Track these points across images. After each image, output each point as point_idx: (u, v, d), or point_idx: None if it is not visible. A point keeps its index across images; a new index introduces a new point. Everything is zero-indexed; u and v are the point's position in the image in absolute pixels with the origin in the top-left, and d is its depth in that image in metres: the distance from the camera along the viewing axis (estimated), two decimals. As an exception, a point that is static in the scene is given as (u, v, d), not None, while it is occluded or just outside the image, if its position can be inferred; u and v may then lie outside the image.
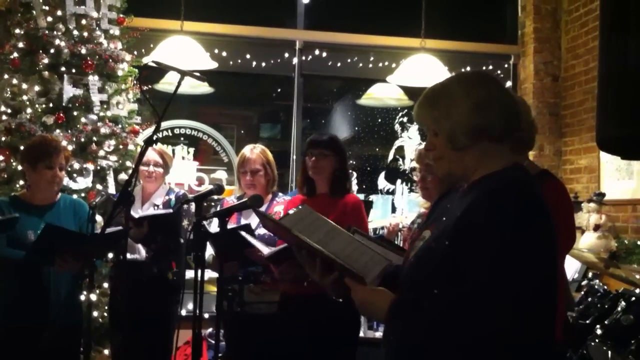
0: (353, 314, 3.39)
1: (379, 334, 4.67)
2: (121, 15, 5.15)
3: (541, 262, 1.60)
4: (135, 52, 5.41)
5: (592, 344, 3.60)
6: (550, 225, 1.64)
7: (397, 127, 6.50)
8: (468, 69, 6.50)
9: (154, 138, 3.04)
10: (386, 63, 6.48)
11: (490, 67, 6.75)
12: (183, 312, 4.78)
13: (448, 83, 1.81)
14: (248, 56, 6.42)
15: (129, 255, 3.88)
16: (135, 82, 5.20)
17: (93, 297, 3.49)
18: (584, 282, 4.53)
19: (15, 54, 4.86)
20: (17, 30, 4.91)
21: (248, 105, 8.21)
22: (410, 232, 3.37)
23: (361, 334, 4.65)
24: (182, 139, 6.26)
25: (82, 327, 3.62)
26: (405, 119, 6.30)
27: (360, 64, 6.58)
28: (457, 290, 1.60)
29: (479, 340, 1.57)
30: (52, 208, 3.56)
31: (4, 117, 4.73)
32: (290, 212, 1.96)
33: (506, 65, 6.74)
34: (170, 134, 6.17)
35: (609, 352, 3.49)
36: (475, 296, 1.56)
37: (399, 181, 6.29)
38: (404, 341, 1.68)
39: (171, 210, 3.90)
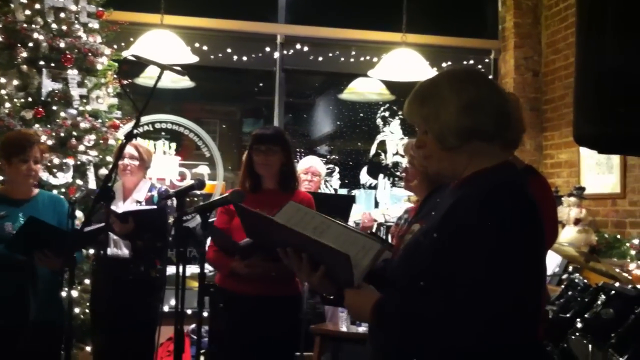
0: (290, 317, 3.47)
1: (362, 329, 4.66)
2: (100, 9, 5.08)
3: (532, 261, 1.60)
4: (115, 46, 5.36)
5: (573, 337, 3.62)
6: (539, 224, 1.64)
7: (379, 121, 6.53)
8: (449, 63, 6.53)
9: (134, 133, 3.02)
10: (368, 57, 6.48)
11: (471, 62, 6.77)
12: (165, 309, 4.77)
13: (438, 81, 1.80)
14: (229, 50, 6.39)
15: (110, 251, 3.86)
16: (115, 76, 5.14)
17: (74, 293, 3.47)
18: (565, 276, 4.57)
19: (-7, 48, 4.78)
20: (-5, 24, 4.84)
21: (230, 100, 8.17)
22: (398, 227, 3.36)
23: (344, 329, 4.66)
24: (163, 133, 6.22)
25: (62, 325, 3.60)
26: (387, 114, 6.33)
27: (342, 59, 6.57)
28: (444, 287, 1.59)
29: (465, 338, 1.57)
30: (30, 203, 3.54)
31: (-18, 112, 4.66)
32: (281, 210, 1.94)
33: (487, 60, 6.77)
34: (152, 129, 6.12)
35: (590, 346, 3.52)
36: (463, 294, 1.56)
37: (381, 176, 6.32)
38: (389, 340, 1.68)
39: (156, 207, 3.87)
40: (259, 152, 3.51)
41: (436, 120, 1.73)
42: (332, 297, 1.87)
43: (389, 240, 3.87)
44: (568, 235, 5.35)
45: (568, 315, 3.80)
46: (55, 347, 3.59)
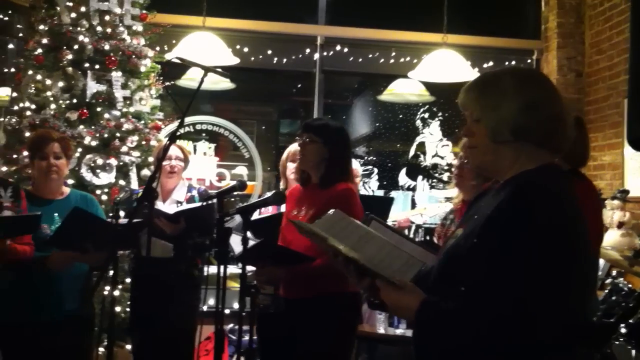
0: (345, 316, 3.31)
1: (399, 331, 4.64)
2: (144, 12, 5.15)
3: (574, 266, 1.58)
4: (158, 48, 5.42)
5: (616, 343, 3.56)
6: (582, 228, 1.63)
7: (418, 123, 6.50)
8: (491, 64, 6.47)
9: (178, 134, 3.06)
10: (407, 58, 6.46)
11: (513, 63, 6.70)
12: (204, 308, 4.82)
13: (502, 75, 1.80)
14: (269, 52, 6.42)
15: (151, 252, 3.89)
16: (157, 78, 5.22)
17: (116, 292, 3.52)
18: (608, 281, 4.48)
19: (39, 50, 4.87)
20: (41, 27, 4.92)
21: (267, 101, 8.21)
22: (444, 228, 3.30)
23: (381, 331, 4.65)
24: (203, 134, 6.28)
25: (93, 321, 3.68)
26: (426, 115, 6.29)
27: (382, 60, 6.56)
28: (484, 290, 1.58)
29: (504, 340, 1.56)
30: (63, 201, 3.56)
31: (28, 113, 4.76)
32: (322, 218, 1.94)
33: (529, 61, 6.69)
34: (192, 130, 6.19)
35: (633, 352, 3.46)
36: (503, 297, 1.55)
37: (420, 177, 6.29)
38: (432, 342, 1.67)
39: (203, 204, 3.85)
40: (299, 141, 3.39)
41: (494, 111, 1.74)
42: (379, 301, 1.87)
43: (434, 240, 3.80)
44: (611, 238, 5.26)
45: (612, 320, 3.74)
46: (88, 343, 3.65)
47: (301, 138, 3.37)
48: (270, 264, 3.19)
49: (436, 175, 6.48)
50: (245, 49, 6.26)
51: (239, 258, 3.18)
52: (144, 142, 4.89)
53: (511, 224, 1.59)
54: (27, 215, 3.29)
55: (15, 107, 4.92)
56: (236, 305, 5.07)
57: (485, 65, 6.43)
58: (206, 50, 5.34)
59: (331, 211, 1.97)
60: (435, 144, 6.55)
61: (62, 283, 3.42)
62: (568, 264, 1.58)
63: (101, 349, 4.18)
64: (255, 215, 3.77)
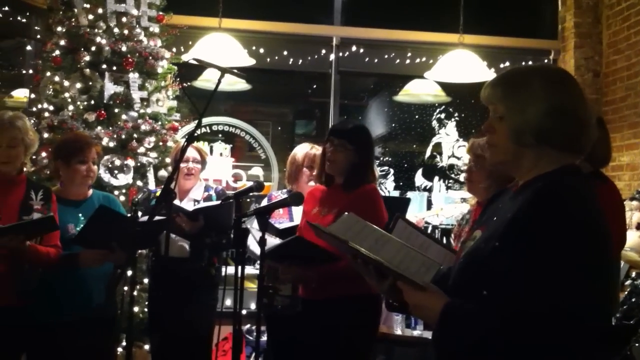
0: (366, 318, 3.31)
1: (417, 333, 4.64)
2: (160, 13, 5.18)
3: (596, 265, 1.56)
4: (174, 50, 5.45)
5: (637, 345, 3.53)
6: (605, 229, 1.60)
7: (434, 123, 6.48)
8: (507, 64, 6.43)
9: (195, 134, 3.07)
10: (423, 59, 6.44)
11: (530, 63, 6.65)
12: (220, 308, 4.82)
13: (530, 75, 1.75)
14: (285, 53, 6.43)
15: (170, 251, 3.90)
16: (174, 79, 5.24)
17: (134, 292, 3.53)
18: (627, 282, 4.45)
19: (57, 52, 4.90)
20: (59, 29, 4.95)
21: (283, 102, 8.21)
22: (460, 228, 3.28)
23: (399, 333, 4.64)
24: (220, 135, 6.30)
25: (116, 321, 3.69)
26: (442, 116, 6.27)
27: (398, 60, 6.54)
28: (506, 294, 1.57)
29: (530, 344, 1.54)
30: (87, 202, 3.59)
31: (47, 114, 4.79)
32: (337, 221, 1.93)
33: (546, 61, 6.64)
34: (209, 131, 6.21)
35: (654, 354, 3.43)
36: (526, 300, 1.54)
37: (436, 178, 6.27)
38: (456, 344, 1.66)
39: (221, 202, 3.86)
40: (330, 146, 3.35)
41: (520, 113, 1.70)
42: (398, 304, 1.86)
43: (451, 241, 3.78)
44: (630, 239, 5.19)
45: (631, 322, 3.71)
46: (110, 343, 3.69)
47: (332, 143, 3.34)
48: (296, 263, 3.18)
49: (452, 175, 6.46)
50: (261, 50, 6.27)
51: (266, 255, 3.17)
52: (161, 143, 4.91)
53: (536, 227, 1.57)
54: (41, 218, 3.30)
55: (34, 109, 4.96)
56: (253, 306, 5.08)
57: (501, 66, 6.39)
58: (222, 51, 5.35)
59: (345, 214, 1.97)
60: (451, 145, 6.53)
61: (89, 282, 3.45)
62: (596, 266, 1.55)
63: (120, 349, 4.20)
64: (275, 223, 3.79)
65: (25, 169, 4.63)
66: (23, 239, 3.20)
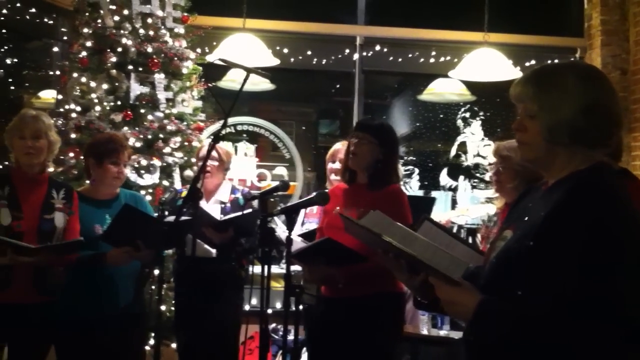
0: (391, 316, 3.31)
1: (443, 332, 4.61)
2: (185, 14, 5.21)
3: (635, 265, 1.54)
4: (199, 50, 5.47)
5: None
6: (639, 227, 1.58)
7: (459, 122, 6.45)
8: (533, 63, 6.37)
9: (221, 134, 3.08)
10: (448, 58, 6.41)
11: (556, 61, 6.59)
12: (246, 307, 4.84)
13: (563, 72, 1.72)
14: (309, 53, 6.43)
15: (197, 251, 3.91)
16: (199, 79, 5.26)
17: (162, 291, 3.55)
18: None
19: (84, 53, 4.95)
20: (85, 30, 5.00)
21: (306, 101, 8.23)
22: (487, 230, 3.27)
23: (425, 332, 4.61)
24: (244, 135, 6.32)
25: (146, 319, 3.72)
26: (467, 115, 6.24)
27: (422, 59, 6.52)
28: (544, 293, 1.55)
29: (569, 343, 1.53)
30: (115, 202, 3.60)
31: (74, 115, 4.84)
32: (365, 217, 1.91)
33: (572, 59, 6.57)
34: (233, 131, 6.23)
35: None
36: (564, 298, 1.52)
37: (461, 177, 6.24)
38: (491, 343, 1.64)
39: (251, 210, 3.86)
40: (352, 140, 3.35)
41: (553, 111, 1.67)
42: (426, 301, 1.85)
43: (477, 242, 3.76)
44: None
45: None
46: (138, 341, 3.70)
47: (356, 137, 3.34)
48: (323, 263, 3.18)
49: (478, 175, 6.42)
50: (285, 50, 6.28)
51: (295, 256, 3.18)
52: (186, 143, 4.93)
53: (574, 226, 1.55)
54: (72, 242, 3.34)
55: (61, 109, 5.01)
56: (278, 305, 5.10)
57: (527, 64, 6.34)
58: (246, 51, 5.37)
59: (372, 211, 1.94)
60: (476, 144, 6.50)
61: (116, 280, 3.47)
62: (634, 268, 1.53)
63: (147, 347, 4.22)
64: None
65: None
66: (51, 258, 3.27)
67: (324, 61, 6.48)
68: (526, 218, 1.72)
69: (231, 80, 6.06)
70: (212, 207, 4.05)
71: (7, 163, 4.56)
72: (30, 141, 3.33)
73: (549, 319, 1.54)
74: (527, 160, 1.78)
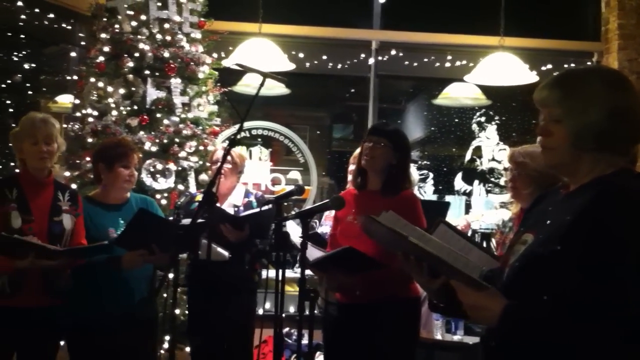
0: (408, 320, 3.30)
1: (457, 337, 4.60)
2: (202, 19, 5.23)
3: None
4: (215, 55, 5.49)
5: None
6: None
7: (474, 127, 6.44)
8: (549, 67, 6.34)
9: (237, 139, 3.09)
10: (463, 62, 6.39)
11: (572, 65, 6.56)
12: (259, 311, 4.85)
13: (588, 76, 1.72)
14: (324, 57, 6.44)
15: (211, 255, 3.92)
16: (215, 84, 5.29)
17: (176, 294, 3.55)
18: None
19: (101, 58, 4.98)
20: (103, 35, 5.04)
21: (320, 106, 8.24)
22: (502, 235, 3.26)
23: (439, 337, 4.60)
24: (259, 139, 6.34)
25: (157, 323, 3.73)
26: (483, 119, 6.22)
27: (437, 64, 6.51)
28: (571, 297, 1.54)
29: (603, 348, 1.52)
30: (126, 206, 3.61)
31: (91, 120, 4.87)
32: (380, 217, 1.90)
33: (588, 63, 6.53)
34: (248, 135, 6.25)
35: None
36: (599, 303, 1.51)
37: (476, 182, 6.22)
38: (515, 347, 1.63)
39: (268, 207, 3.87)
40: (367, 143, 3.35)
41: (580, 116, 1.66)
42: (442, 305, 1.84)
43: (492, 247, 3.74)
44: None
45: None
46: (153, 344, 3.70)
47: (370, 141, 3.34)
48: (342, 271, 3.18)
49: (493, 179, 6.40)
50: (301, 55, 6.29)
51: (314, 264, 3.17)
52: (201, 148, 4.95)
53: (603, 231, 1.54)
54: (97, 245, 3.35)
55: (78, 114, 5.05)
56: (291, 309, 5.10)
57: (543, 68, 6.31)
58: (262, 56, 5.38)
59: (384, 212, 1.94)
60: (491, 148, 6.48)
61: (131, 284, 3.49)
62: None
63: (162, 351, 4.24)
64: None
65: (68, 173, 4.81)
66: (70, 262, 3.30)
67: (339, 66, 6.49)
68: (548, 222, 1.71)
69: (246, 85, 6.09)
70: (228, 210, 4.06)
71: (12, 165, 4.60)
72: (44, 146, 3.34)
73: (577, 324, 1.53)
74: (551, 166, 1.76)
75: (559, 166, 1.75)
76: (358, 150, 4.13)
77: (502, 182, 6.37)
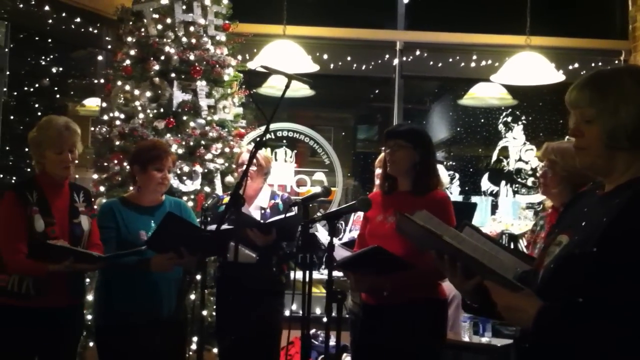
0: (435, 322, 3.28)
1: (485, 339, 4.56)
2: (227, 22, 5.25)
3: None
4: (240, 57, 5.51)
5: None
6: None
7: (500, 127, 6.39)
8: (576, 66, 6.28)
9: (263, 140, 3.10)
10: (489, 62, 6.34)
11: (600, 64, 6.48)
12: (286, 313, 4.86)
13: (619, 76, 1.71)
14: (349, 58, 6.43)
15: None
16: (240, 86, 5.30)
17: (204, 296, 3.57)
18: None
19: (128, 62, 5.02)
20: (129, 39, 5.08)
21: (345, 107, 8.23)
22: (533, 234, 3.22)
23: (466, 339, 4.57)
24: (284, 141, 6.35)
25: (187, 325, 3.74)
26: (509, 119, 6.17)
27: (462, 64, 6.46)
28: (607, 300, 1.53)
29: (632, 350, 1.50)
30: (160, 209, 3.62)
31: (118, 123, 4.92)
32: (414, 216, 1.90)
33: (616, 62, 6.45)
34: (273, 137, 6.26)
35: None
36: (635, 306, 1.49)
37: (503, 182, 6.18)
38: (550, 348, 1.61)
39: (294, 212, 3.83)
40: (386, 149, 3.34)
41: (613, 115, 1.66)
42: (476, 305, 1.83)
43: (518, 248, 3.71)
44: None
45: None
46: (181, 346, 3.71)
47: (387, 145, 3.32)
48: (371, 271, 3.17)
49: (519, 180, 6.35)
50: (325, 56, 6.29)
51: (341, 264, 3.16)
52: (227, 150, 4.97)
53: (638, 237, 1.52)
54: (133, 251, 3.40)
55: (105, 117, 5.11)
56: (317, 311, 5.10)
57: (570, 67, 6.24)
58: (287, 58, 5.39)
59: (418, 211, 1.93)
60: (518, 148, 6.43)
61: (161, 287, 3.51)
62: None
63: (190, 352, 4.26)
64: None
65: (96, 176, 4.87)
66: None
67: (363, 67, 6.48)
68: (583, 223, 1.69)
69: (271, 87, 6.11)
70: (252, 213, 4.07)
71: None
72: (68, 155, 3.34)
73: (612, 327, 1.52)
74: (585, 167, 1.75)
75: (593, 166, 1.73)
76: (383, 154, 4.13)
77: (529, 182, 6.32)
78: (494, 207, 6.37)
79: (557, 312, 1.59)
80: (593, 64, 6.43)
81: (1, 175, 6.15)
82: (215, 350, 4.47)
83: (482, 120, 6.72)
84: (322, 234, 4.26)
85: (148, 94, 4.95)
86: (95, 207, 4.56)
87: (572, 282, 1.61)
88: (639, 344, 1.50)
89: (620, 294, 1.52)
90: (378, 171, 4.12)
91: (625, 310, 1.50)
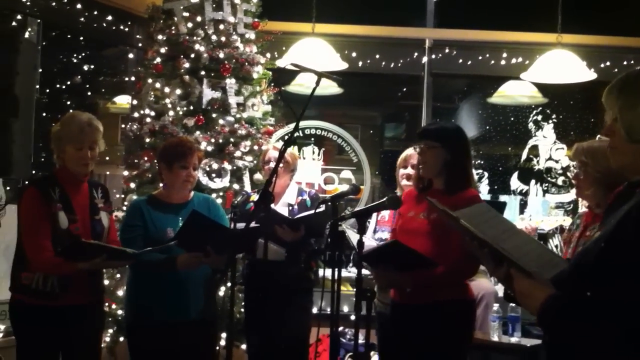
0: (461, 324, 3.25)
1: (514, 340, 4.53)
2: (256, 20, 5.28)
3: None
4: (269, 55, 5.52)
5: None
6: None
7: (530, 125, 6.33)
8: (608, 64, 6.19)
9: (293, 138, 3.11)
10: (519, 59, 6.28)
11: (632, 62, 6.38)
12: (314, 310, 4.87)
13: None
14: (377, 56, 6.41)
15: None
16: (269, 84, 5.32)
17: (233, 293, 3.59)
18: None
19: (158, 59, 5.07)
20: (160, 37, 5.13)
21: (372, 105, 8.20)
22: (570, 234, 3.19)
23: (495, 339, 4.54)
24: (312, 139, 6.36)
25: (216, 322, 3.75)
26: (539, 117, 6.11)
27: (492, 61, 6.41)
28: (609, 295, 1.54)
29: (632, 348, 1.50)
30: (187, 207, 3.62)
31: (148, 120, 4.96)
32: (469, 207, 1.96)
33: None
34: (301, 135, 6.27)
35: None
36: (628, 302, 1.50)
37: (532, 182, 6.12)
38: (554, 335, 1.65)
39: (323, 208, 3.87)
40: (417, 151, 3.32)
41: (630, 110, 1.69)
42: (513, 294, 1.84)
43: (556, 245, 3.66)
44: None
45: None
46: (211, 344, 3.72)
47: (418, 147, 3.30)
48: (392, 268, 3.16)
49: (549, 179, 6.28)
50: (354, 54, 6.28)
51: (361, 259, 3.15)
52: (256, 147, 4.99)
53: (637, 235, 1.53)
54: (163, 247, 3.41)
55: (136, 114, 5.15)
56: (345, 309, 5.10)
57: (602, 65, 6.16)
58: (316, 55, 5.39)
59: (477, 204, 2.02)
60: (549, 147, 6.36)
61: (189, 285, 3.51)
62: None
63: (218, 348, 4.29)
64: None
65: (126, 173, 4.91)
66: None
67: (392, 64, 6.45)
68: (612, 220, 1.70)
69: (299, 85, 6.11)
70: (280, 210, 4.08)
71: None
72: (88, 152, 3.35)
73: (612, 324, 1.52)
74: (617, 166, 1.77)
75: (624, 165, 1.75)
76: (405, 153, 4.10)
77: (559, 181, 6.25)
78: (523, 206, 6.32)
79: (562, 303, 1.62)
80: (625, 62, 6.34)
81: (34, 172, 6.23)
82: (244, 346, 4.49)
83: (512, 119, 6.66)
84: (348, 232, 4.26)
85: (178, 91, 4.99)
86: (126, 203, 4.63)
87: (584, 275, 1.63)
88: (638, 344, 1.49)
89: (621, 291, 1.52)
90: (402, 171, 4.10)
91: (626, 310, 1.51)
